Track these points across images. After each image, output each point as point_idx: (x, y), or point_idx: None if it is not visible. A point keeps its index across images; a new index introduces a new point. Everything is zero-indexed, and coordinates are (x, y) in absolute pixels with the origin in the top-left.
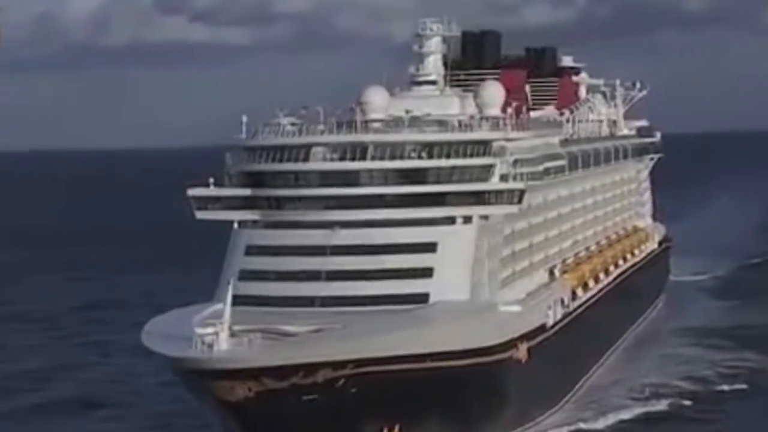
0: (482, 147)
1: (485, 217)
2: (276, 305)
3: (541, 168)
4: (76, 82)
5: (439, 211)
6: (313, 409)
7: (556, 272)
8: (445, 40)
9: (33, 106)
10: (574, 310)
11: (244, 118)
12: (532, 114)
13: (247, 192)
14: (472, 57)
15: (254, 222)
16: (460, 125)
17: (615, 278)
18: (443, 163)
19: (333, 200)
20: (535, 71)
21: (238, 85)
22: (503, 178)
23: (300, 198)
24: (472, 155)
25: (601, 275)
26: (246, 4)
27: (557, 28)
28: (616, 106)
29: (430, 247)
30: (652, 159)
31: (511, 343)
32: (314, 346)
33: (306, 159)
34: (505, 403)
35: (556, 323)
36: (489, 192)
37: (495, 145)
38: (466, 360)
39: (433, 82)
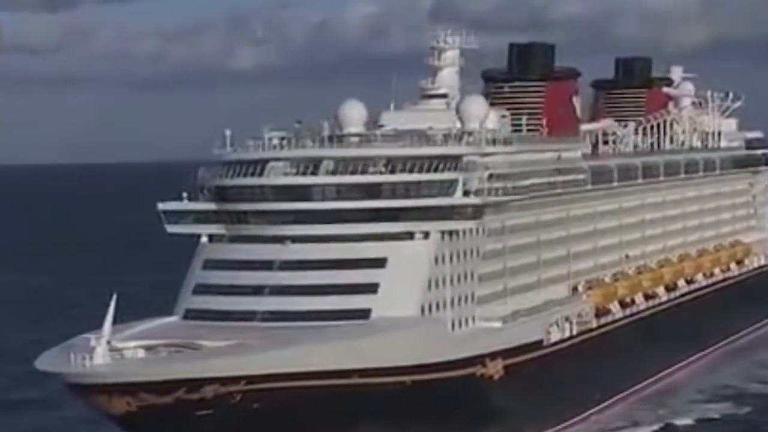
0: (450, 162)
1: (453, 233)
2: (219, 319)
3: (526, 183)
4: (352, 87)
5: (394, 227)
6: (213, 425)
7: (580, 288)
8: (462, 53)
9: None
10: (600, 327)
11: (228, 132)
12: (583, 127)
13: (212, 206)
14: (518, 69)
15: (221, 236)
16: (428, 140)
17: (681, 294)
18: (396, 178)
19: (288, 215)
20: (623, 83)
21: None
22: (473, 193)
23: (259, 212)
24: (436, 170)
25: (658, 290)
26: (520, 11)
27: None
28: (708, 116)
29: (378, 263)
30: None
31: (474, 360)
32: (195, 361)
33: (261, 174)
34: (467, 420)
35: (563, 340)
36: (446, 207)
37: (466, 159)
38: (392, 377)
39: (443, 96)
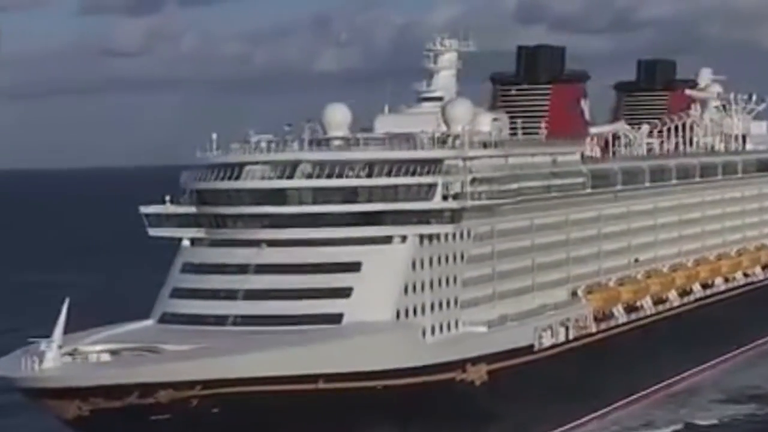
0: (431, 165)
1: (433, 237)
2: (193, 323)
3: (514, 186)
4: None
5: (371, 231)
6: (170, 429)
7: (580, 292)
8: (460, 55)
9: None
10: (600, 332)
11: (214, 136)
12: (593, 129)
13: (192, 210)
14: (526, 72)
15: (202, 240)
16: (409, 143)
17: (694, 299)
18: (373, 181)
19: (265, 218)
20: (645, 85)
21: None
22: (451, 196)
23: (237, 216)
24: (415, 174)
25: (669, 295)
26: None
27: None
28: (732, 118)
29: (353, 267)
30: None
31: (453, 365)
32: (146, 366)
33: (238, 177)
34: (445, 425)
35: (557, 345)
36: (423, 211)
37: (447, 163)
38: (360, 383)
39: (439, 99)
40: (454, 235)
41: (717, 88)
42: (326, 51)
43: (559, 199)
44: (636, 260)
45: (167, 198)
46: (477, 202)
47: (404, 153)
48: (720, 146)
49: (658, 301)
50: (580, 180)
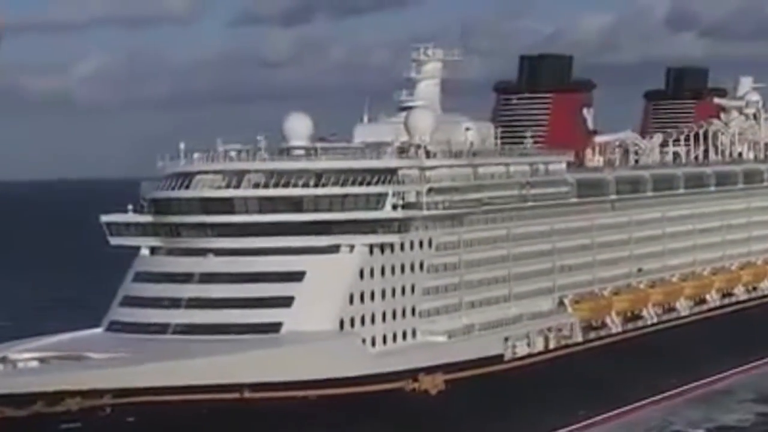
0: (383, 175)
1: (385, 247)
2: (137, 332)
3: (478, 196)
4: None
5: (317, 240)
6: None
7: (566, 302)
8: (445, 65)
9: None
10: (587, 342)
11: (182, 145)
12: (598, 138)
13: (149, 219)
14: (528, 81)
15: (160, 248)
16: (363, 153)
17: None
18: (320, 191)
19: (214, 228)
20: (673, 94)
21: None
22: (409, 206)
23: (189, 225)
24: (367, 183)
25: (678, 304)
26: (759, 17)
27: None
28: (761, 126)
29: (296, 276)
30: None
31: (401, 374)
32: (52, 375)
33: (188, 186)
34: None
35: (534, 355)
36: (370, 221)
37: (402, 173)
38: (291, 392)
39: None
40: (412, 244)
41: (754, 97)
42: (471, 60)
43: (540, 208)
44: (639, 270)
45: (130, 207)
46: (434, 212)
47: (352, 163)
48: (749, 155)
49: (666, 310)
50: (564, 189)
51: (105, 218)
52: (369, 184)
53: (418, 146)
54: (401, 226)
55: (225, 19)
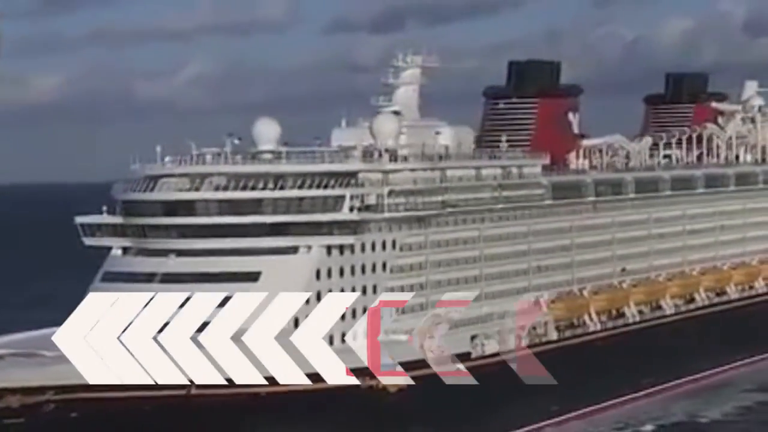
0: (344, 178)
1: (344, 248)
2: None
3: (441, 198)
4: None
5: (275, 241)
6: None
7: (542, 302)
8: (424, 71)
9: None
10: (561, 340)
11: (158, 148)
12: (586, 142)
13: (120, 220)
14: (515, 86)
15: (130, 249)
16: (325, 157)
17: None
18: (278, 194)
19: (176, 229)
20: (672, 98)
21: None
22: (369, 208)
23: (154, 226)
24: (325, 186)
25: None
26: None
27: None
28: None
29: (251, 277)
30: None
31: (358, 372)
32: None
33: (152, 189)
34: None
35: (503, 353)
36: (326, 223)
37: (362, 176)
38: (238, 389)
39: (396, 113)
40: (373, 245)
41: (758, 101)
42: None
43: (513, 210)
44: (623, 270)
45: (104, 209)
46: (395, 214)
47: (311, 166)
48: (746, 158)
49: (651, 309)
50: (538, 191)
51: (79, 219)
52: (327, 186)
53: (383, 150)
54: (358, 227)
55: (318, 27)
